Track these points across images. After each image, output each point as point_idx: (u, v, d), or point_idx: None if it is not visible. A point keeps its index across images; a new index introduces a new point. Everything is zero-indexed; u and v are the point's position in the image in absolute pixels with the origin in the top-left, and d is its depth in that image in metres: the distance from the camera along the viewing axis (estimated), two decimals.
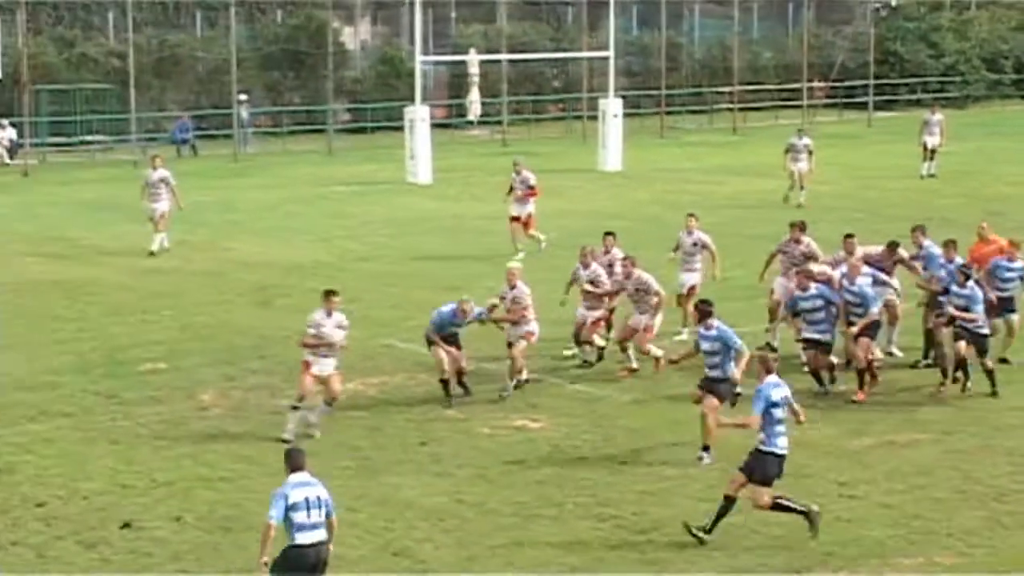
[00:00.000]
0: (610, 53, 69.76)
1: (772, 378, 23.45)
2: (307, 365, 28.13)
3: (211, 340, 35.94)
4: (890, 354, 33.19)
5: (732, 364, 26.85)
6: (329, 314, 27.71)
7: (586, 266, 33.22)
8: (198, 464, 26.87)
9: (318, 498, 19.20)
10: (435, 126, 67.85)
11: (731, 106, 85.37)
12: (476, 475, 25.99)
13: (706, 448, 26.57)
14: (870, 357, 30.76)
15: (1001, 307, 32.30)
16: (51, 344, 35.56)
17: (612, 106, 67.43)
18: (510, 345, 31.10)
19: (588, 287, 33.21)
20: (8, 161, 69.88)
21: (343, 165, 68.84)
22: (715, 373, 26.99)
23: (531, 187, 46.76)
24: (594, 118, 71.13)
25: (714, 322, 26.94)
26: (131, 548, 23.18)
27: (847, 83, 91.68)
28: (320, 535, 19.18)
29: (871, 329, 30.91)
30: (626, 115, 69.78)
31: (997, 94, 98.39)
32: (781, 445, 23.06)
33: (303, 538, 18.98)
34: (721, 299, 31.32)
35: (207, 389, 31.78)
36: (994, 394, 30.22)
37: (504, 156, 69.92)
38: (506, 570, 21.91)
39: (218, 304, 40.08)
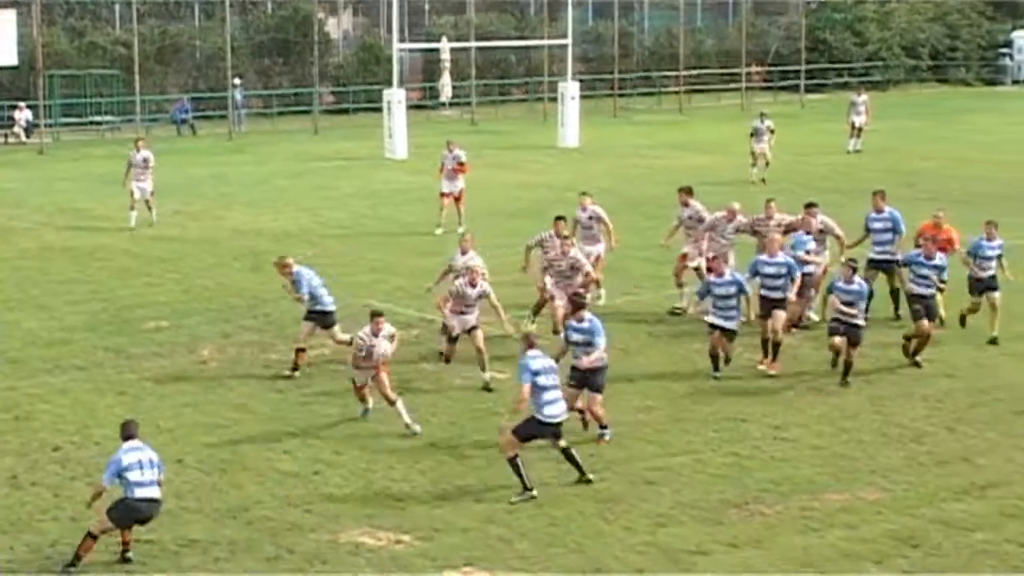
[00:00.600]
0: (568, 41, 69.74)
1: (533, 351, 22.94)
2: (356, 385, 26.48)
3: (209, 301, 35.91)
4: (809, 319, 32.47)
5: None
6: (376, 334, 25.87)
7: (562, 237, 31.54)
8: (197, 412, 26.87)
9: (150, 460, 20.15)
10: (411, 107, 67.74)
11: (677, 89, 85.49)
12: (448, 422, 26.04)
13: (603, 427, 25.11)
14: (794, 324, 30.61)
15: (984, 286, 30.70)
16: (64, 305, 35.50)
17: (570, 89, 67.43)
18: (471, 331, 28.66)
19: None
20: (25, 140, 69.83)
21: (327, 142, 68.69)
22: (587, 362, 24.55)
23: (461, 163, 45.26)
24: (554, 99, 71.13)
25: (586, 314, 24.80)
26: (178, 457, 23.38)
27: (781, 68, 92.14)
28: (154, 492, 20.10)
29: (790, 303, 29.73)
30: (583, 97, 69.71)
31: (915, 78, 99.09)
32: (547, 413, 22.64)
33: (141, 492, 19.93)
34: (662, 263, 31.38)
35: (206, 345, 31.76)
36: (845, 383, 27.97)
37: (473, 134, 70.06)
38: (474, 507, 21.96)
39: (215, 268, 40.03)
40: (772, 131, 55.36)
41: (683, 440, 25.07)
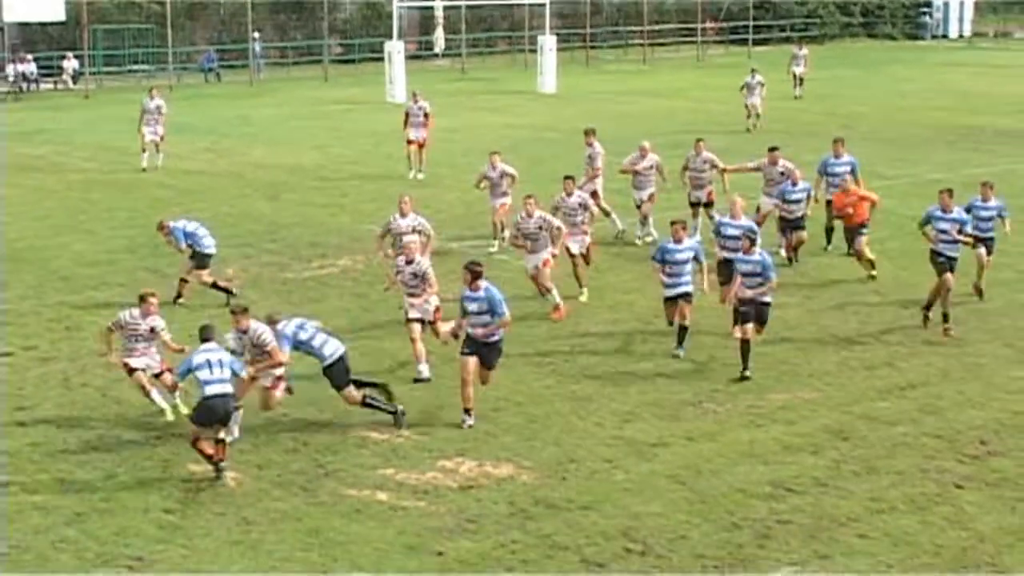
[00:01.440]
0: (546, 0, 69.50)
1: (296, 321, 21.47)
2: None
3: (233, 227, 35.84)
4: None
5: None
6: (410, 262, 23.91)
7: (530, 215, 27.43)
8: (224, 321, 26.81)
9: (220, 360, 19.59)
10: (409, 57, 67.80)
11: (641, 42, 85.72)
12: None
13: (467, 411, 21.44)
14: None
15: (983, 244, 27.74)
16: (108, 230, 35.45)
17: (548, 41, 67.49)
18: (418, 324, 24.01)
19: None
20: (72, 86, 69.78)
21: (336, 89, 68.59)
22: (482, 332, 21.39)
23: (427, 115, 43.32)
24: (533, 51, 71.25)
25: (482, 283, 21.25)
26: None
27: (732, 24, 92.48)
28: (225, 388, 19.42)
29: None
30: (559, 49, 69.77)
31: (847, 33, 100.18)
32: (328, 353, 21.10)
33: (210, 390, 19.28)
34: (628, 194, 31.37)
35: (231, 264, 31.72)
36: (744, 378, 23.46)
37: (463, 81, 70.12)
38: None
39: (238, 198, 39.98)
40: (763, 84, 53.76)
41: (646, 348, 25.16)
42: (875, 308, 27.59)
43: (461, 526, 17.82)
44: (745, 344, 23.44)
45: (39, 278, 30.23)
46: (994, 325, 26.44)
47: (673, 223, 25.52)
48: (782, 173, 31.18)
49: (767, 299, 23.91)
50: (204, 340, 19.93)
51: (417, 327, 23.69)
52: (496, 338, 21.46)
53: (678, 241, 25.14)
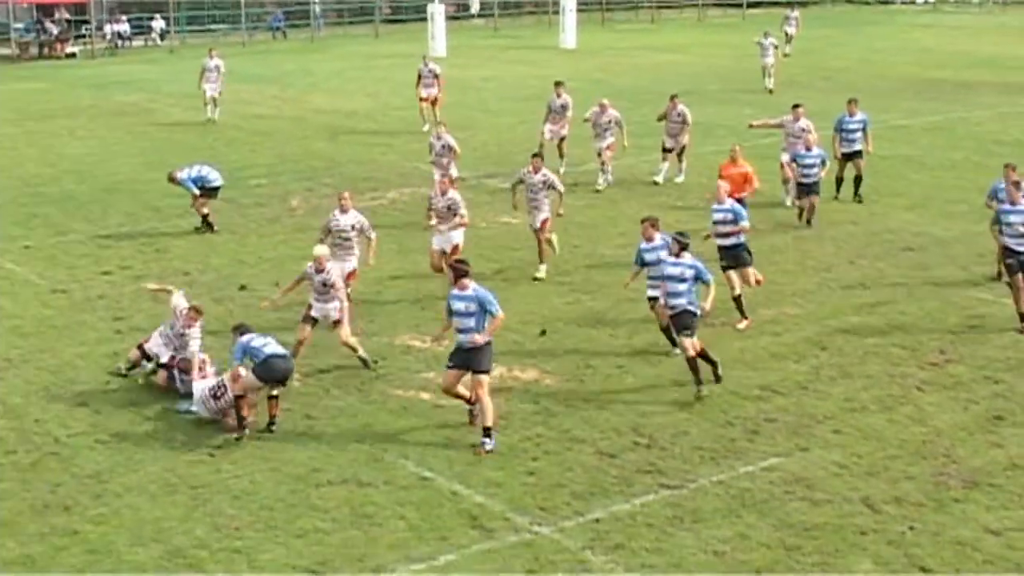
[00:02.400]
0: None
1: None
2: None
3: (297, 163, 35.87)
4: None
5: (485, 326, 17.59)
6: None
7: (535, 169, 24.80)
8: (289, 247, 26.92)
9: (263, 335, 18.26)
10: (448, 18, 67.21)
11: (650, 4, 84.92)
12: (476, 255, 25.86)
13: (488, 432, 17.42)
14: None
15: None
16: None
17: (569, 3, 66.67)
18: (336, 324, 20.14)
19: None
20: (159, 43, 69.69)
21: (386, 44, 68.22)
22: (467, 339, 17.49)
23: (436, 75, 40.73)
24: (557, 12, 70.42)
25: (469, 282, 17.60)
26: (246, 303, 23.29)
27: None
28: (280, 348, 18.09)
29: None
30: (579, 10, 69.10)
31: None
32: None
33: (269, 350, 17.87)
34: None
35: (295, 197, 31.77)
36: (699, 397, 18.91)
37: (495, 38, 69.82)
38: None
39: (301, 139, 39.92)
40: (776, 47, 49.79)
41: None
42: (850, 237, 27.45)
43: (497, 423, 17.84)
44: (691, 361, 19.03)
45: (133, 208, 30.30)
46: (952, 251, 26.33)
47: (643, 220, 21.05)
48: (803, 129, 28.99)
49: (691, 308, 19.18)
50: (242, 334, 18.13)
51: (308, 328, 20.00)
52: (483, 341, 17.49)
53: (648, 239, 20.73)
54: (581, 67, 56.49)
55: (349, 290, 21.54)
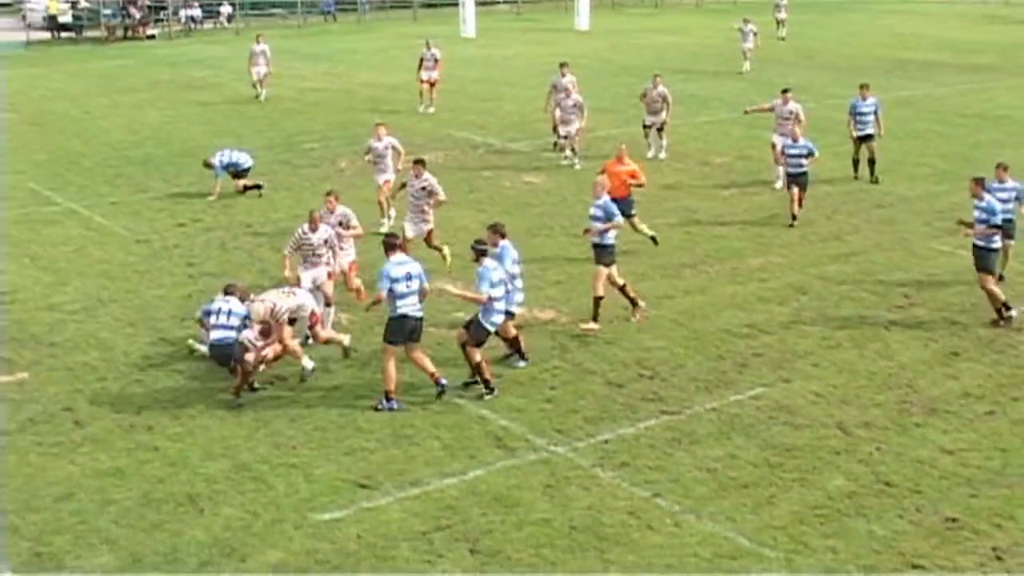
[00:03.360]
0: None
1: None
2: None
3: (345, 130, 35.78)
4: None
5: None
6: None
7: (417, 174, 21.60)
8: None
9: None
10: (478, 3, 66.64)
11: None
12: (503, 211, 25.94)
13: (520, 354, 17.64)
14: None
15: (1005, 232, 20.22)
16: (251, 133, 35.42)
17: None
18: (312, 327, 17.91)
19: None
20: (227, 25, 69.37)
21: (422, 26, 67.62)
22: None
23: (436, 60, 38.82)
24: None
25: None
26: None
27: None
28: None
29: None
30: None
31: None
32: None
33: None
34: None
35: (343, 159, 31.71)
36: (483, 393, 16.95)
37: (518, 21, 69.37)
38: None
39: (348, 109, 39.79)
40: (755, 33, 48.02)
41: (651, 223, 24.92)
42: (827, 196, 27.27)
43: (516, 356, 17.81)
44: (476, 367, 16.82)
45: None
46: (916, 208, 26.17)
47: (490, 228, 17.61)
48: (791, 112, 27.49)
49: (476, 315, 16.82)
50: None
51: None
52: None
53: (597, 197, 19.23)
54: (593, 47, 56.11)
55: (358, 282, 19.86)
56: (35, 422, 16.14)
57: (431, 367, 16.63)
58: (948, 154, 31.05)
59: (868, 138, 28.53)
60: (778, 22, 59.69)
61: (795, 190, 25.01)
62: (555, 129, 31.29)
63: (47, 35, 64.07)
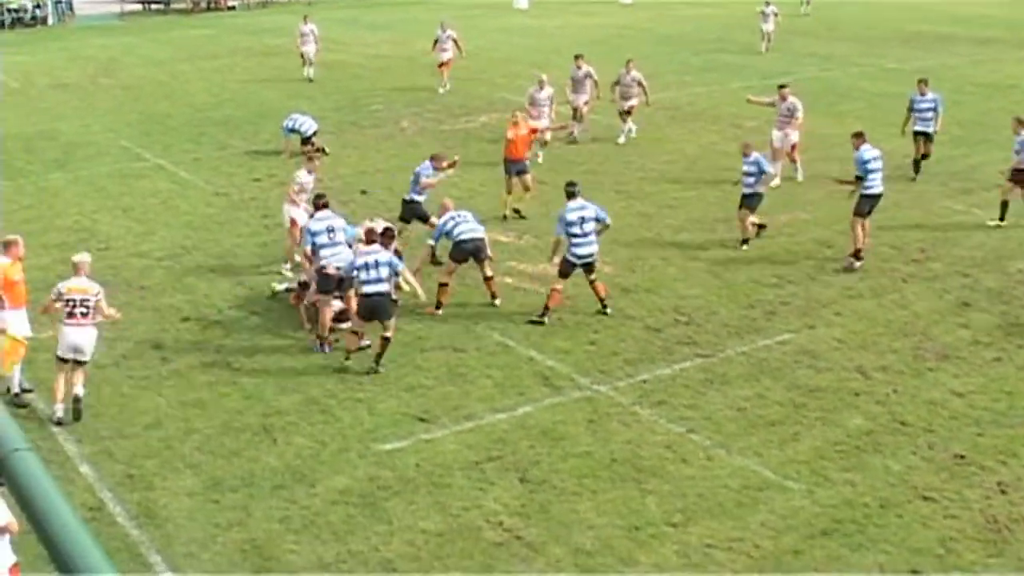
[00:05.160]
0: None
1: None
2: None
3: (405, 93, 35.53)
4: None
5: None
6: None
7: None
8: (400, 159, 26.64)
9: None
10: None
11: None
12: (549, 169, 25.66)
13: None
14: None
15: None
16: (322, 96, 35.27)
17: None
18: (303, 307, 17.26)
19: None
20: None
21: None
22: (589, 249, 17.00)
23: (455, 40, 35.68)
24: None
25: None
26: (368, 204, 23.22)
27: None
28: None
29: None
30: None
31: None
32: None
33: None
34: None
35: (405, 119, 31.56)
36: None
37: None
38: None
39: (409, 74, 39.28)
40: (776, 14, 43.99)
41: (692, 180, 24.66)
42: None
43: (563, 304, 17.73)
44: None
45: (277, 129, 29.58)
46: (932, 170, 25.64)
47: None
48: (789, 109, 24.34)
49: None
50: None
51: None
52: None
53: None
54: (635, 17, 55.47)
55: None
56: (127, 358, 16.25)
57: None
58: (963, 120, 30.43)
59: (927, 136, 25.11)
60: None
61: (742, 212, 20.52)
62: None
63: (138, 7, 64.12)
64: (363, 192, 24.27)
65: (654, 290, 18.53)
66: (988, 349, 16.18)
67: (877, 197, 19.70)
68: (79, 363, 14.23)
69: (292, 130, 27.46)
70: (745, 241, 20.46)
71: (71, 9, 60.54)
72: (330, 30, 43.81)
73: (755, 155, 20.29)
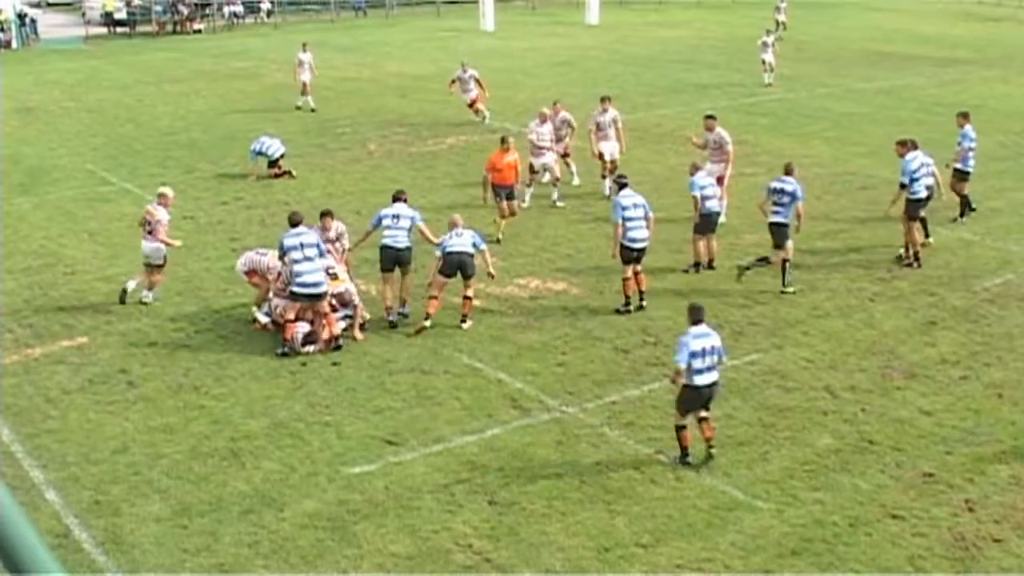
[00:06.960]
0: None
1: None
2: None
3: (374, 115, 35.62)
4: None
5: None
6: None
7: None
8: (367, 182, 26.74)
9: (712, 347, 13.30)
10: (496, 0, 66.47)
11: None
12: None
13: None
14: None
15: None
16: (288, 118, 35.26)
17: None
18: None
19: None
20: (266, 20, 69.05)
21: (445, 21, 67.45)
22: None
23: (477, 79, 33.42)
24: None
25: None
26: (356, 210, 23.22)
27: None
28: (712, 377, 13.39)
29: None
30: None
31: None
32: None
33: (699, 380, 13.29)
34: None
35: (372, 142, 31.58)
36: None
37: (533, 16, 68.70)
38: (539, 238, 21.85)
39: (378, 96, 39.56)
40: (778, 39, 43.83)
41: (665, 203, 24.70)
42: (816, 178, 27.00)
43: (530, 324, 17.80)
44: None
45: (244, 152, 30.02)
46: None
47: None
48: (717, 142, 22.85)
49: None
50: (696, 322, 13.55)
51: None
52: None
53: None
54: (602, 39, 55.78)
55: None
56: (93, 383, 16.18)
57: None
58: (928, 140, 30.42)
59: (963, 174, 23.07)
60: (777, 23, 58.62)
61: (710, 236, 20.55)
62: (600, 157, 25.37)
63: (104, 30, 64.02)
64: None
65: (622, 312, 18.60)
66: (955, 368, 16.32)
67: (926, 200, 20.62)
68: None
69: (259, 153, 27.57)
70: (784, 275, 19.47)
71: (35, 33, 60.38)
72: (296, 53, 43.78)
73: (793, 177, 19.30)
